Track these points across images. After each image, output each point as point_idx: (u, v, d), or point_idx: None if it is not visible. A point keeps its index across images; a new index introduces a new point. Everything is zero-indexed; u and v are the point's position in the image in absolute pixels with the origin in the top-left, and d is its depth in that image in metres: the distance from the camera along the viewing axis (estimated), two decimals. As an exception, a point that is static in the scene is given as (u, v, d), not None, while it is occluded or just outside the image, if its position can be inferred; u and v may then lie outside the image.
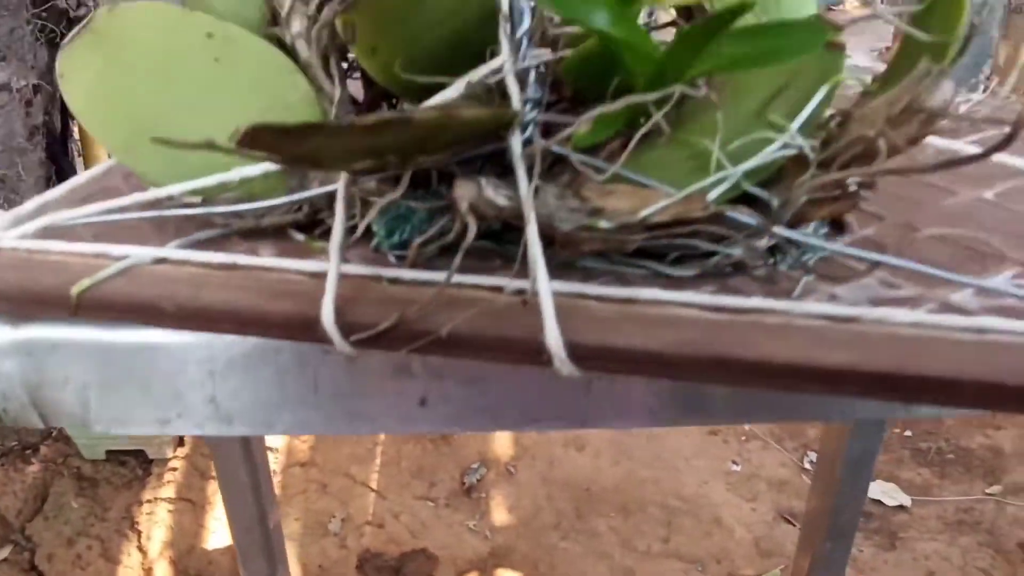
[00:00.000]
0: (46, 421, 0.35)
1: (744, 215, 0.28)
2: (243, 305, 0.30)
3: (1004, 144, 0.25)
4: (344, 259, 0.32)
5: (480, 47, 0.34)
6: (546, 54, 0.29)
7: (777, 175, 0.30)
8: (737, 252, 0.31)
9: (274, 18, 0.36)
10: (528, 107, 0.29)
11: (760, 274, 0.31)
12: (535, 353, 0.28)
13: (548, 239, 0.32)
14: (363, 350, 0.30)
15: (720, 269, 0.32)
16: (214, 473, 1.73)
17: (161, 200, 0.34)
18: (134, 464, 1.79)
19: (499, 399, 0.35)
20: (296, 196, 0.33)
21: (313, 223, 0.35)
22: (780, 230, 0.29)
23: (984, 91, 0.49)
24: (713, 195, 0.29)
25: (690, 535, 1.74)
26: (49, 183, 1.80)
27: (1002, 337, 0.28)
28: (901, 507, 1.80)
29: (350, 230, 0.33)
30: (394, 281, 0.31)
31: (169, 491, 1.73)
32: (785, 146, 0.29)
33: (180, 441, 1.82)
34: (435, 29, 0.33)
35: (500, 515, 1.75)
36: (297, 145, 0.25)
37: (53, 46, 1.74)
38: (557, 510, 1.77)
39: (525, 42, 0.29)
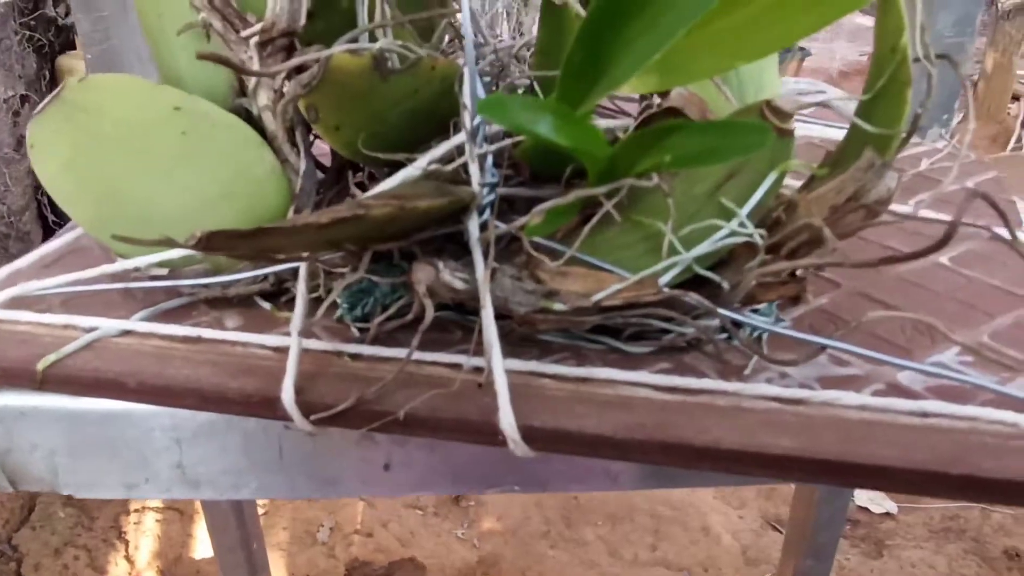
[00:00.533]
0: (15, 485, 0.35)
1: (694, 300, 0.29)
2: (206, 383, 0.31)
3: (937, 247, 0.26)
4: (308, 332, 0.33)
5: (440, 119, 0.35)
6: (502, 142, 0.30)
7: (728, 256, 0.31)
8: (690, 331, 0.32)
9: (242, 89, 0.37)
10: (485, 191, 0.30)
11: (713, 351, 0.32)
12: (491, 435, 0.29)
13: (506, 315, 0.32)
14: (323, 428, 0.30)
15: (674, 346, 0.32)
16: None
17: (128, 271, 0.35)
18: (122, 473, 1.79)
19: (460, 465, 0.35)
20: (262, 271, 0.34)
21: (279, 291, 0.36)
22: (729, 312, 0.30)
23: (947, 141, 0.50)
24: (665, 279, 0.30)
25: (678, 543, 1.75)
26: (37, 191, 1.80)
27: (944, 422, 0.29)
28: (888, 514, 1.81)
29: (315, 302, 0.34)
30: (355, 357, 0.32)
31: (157, 500, 1.73)
32: (734, 232, 0.30)
33: (169, 450, 1.81)
34: (396, 106, 0.34)
35: (489, 523, 1.76)
36: (253, 244, 0.25)
37: (41, 55, 1.74)
38: (545, 518, 1.78)
39: (482, 130, 0.30)
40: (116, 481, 0.35)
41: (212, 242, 0.24)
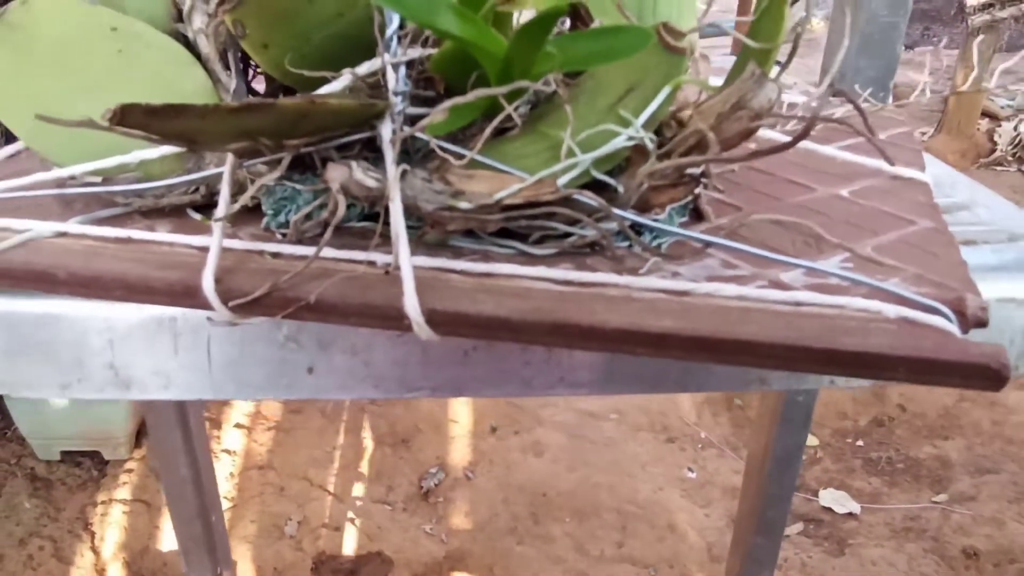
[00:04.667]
0: (-47, 386, 0.37)
1: (588, 198, 0.31)
2: (131, 274, 0.33)
3: (798, 139, 0.28)
4: (233, 236, 0.35)
5: (365, 46, 0.37)
6: (414, 52, 0.32)
7: (625, 164, 0.34)
8: (591, 233, 0.34)
9: (179, 15, 0.39)
10: (399, 99, 0.32)
11: (611, 254, 0.34)
12: (396, 319, 0.31)
13: (421, 220, 0.35)
14: (242, 317, 0.32)
15: (577, 249, 0.35)
16: (170, 474, 1.73)
17: (64, 180, 0.37)
18: (89, 465, 1.79)
19: (380, 369, 0.37)
20: (192, 176, 0.36)
21: (210, 204, 0.38)
22: (624, 213, 0.32)
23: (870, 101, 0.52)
24: (564, 180, 0.32)
25: (644, 540, 1.76)
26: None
27: (813, 309, 0.31)
28: (851, 515, 1.84)
29: (243, 212, 0.36)
30: (276, 255, 0.34)
31: (124, 492, 1.73)
32: (630, 138, 0.32)
33: (137, 443, 1.82)
34: (323, 28, 0.36)
35: (457, 519, 1.76)
36: (167, 124, 0.27)
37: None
38: (513, 514, 1.79)
39: (395, 41, 0.32)
40: (52, 381, 0.37)
41: (127, 116, 0.26)
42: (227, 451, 1.83)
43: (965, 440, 2.01)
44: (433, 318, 0.31)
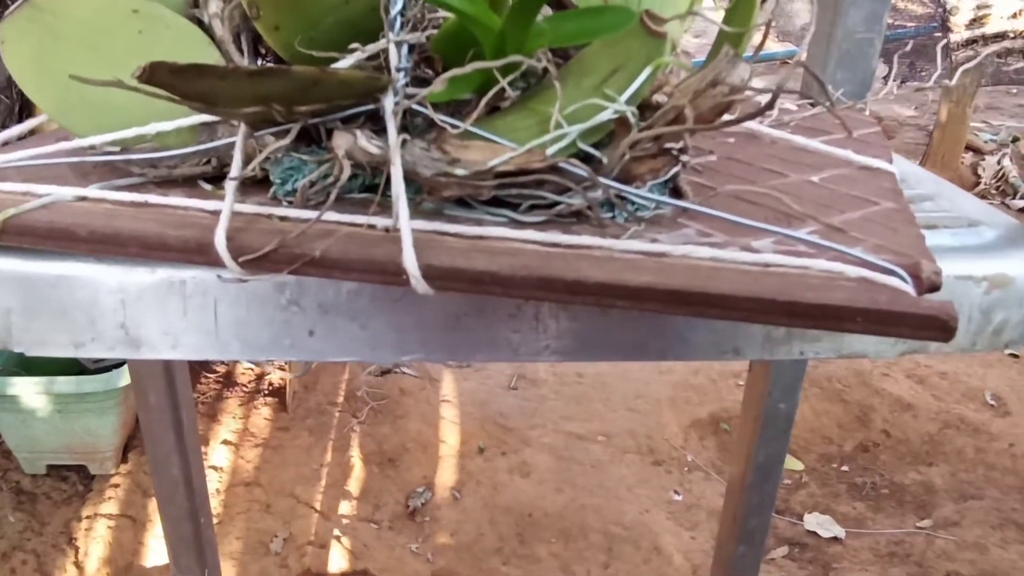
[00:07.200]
0: (-29, 343, 0.39)
1: (575, 164, 0.34)
2: (149, 232, 0.35)
3: (769, 104, 0.31)
4: (242, 202, 0.38)
5: (369, 32, 0.40)
6: (413, 36, 0.35)
7: (608, 138, 0.36)
8: (577, 201, 0.36)
9: (195, 1, 0.42)
10: (401, 75, 0.35)
11: (597, 222, 0.37)
12: (395, 274, 0.33)
13: (418, 187, 0.37)
14: (251, 273, 0.35)
15: (564, 218, 0.37)
16: (156, 490, 1.73)
17: (84, 148, 0.39)
18: (75, 480, 1.79)
19: (376, 333, 0.40)
20: (204, 146, 0.38)
21: (220, 176, 0.40)
22: (609, 182, 0.35)
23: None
24: (552, 150, 0.35)
25: (630, 562, 1.77)
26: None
27: (780, 269, 0.33)
28: (835, 539, 1.86)
29: (252, 183, 0.38)
30: (283, 218, 0.37)
31: (110, 507, 1.73)
32: (615, 112, 0.35)
33: (123, 458, 1.82)
34: (331, 14, 0.39)
35: (443, 539, 1.77)
36: (191, 83, 0.30)
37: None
38: (500, 535, 1.79)
39: (398, 21, 0.35)
40: (65, 340, 0.39)
41: (155, 74, 0.29)
42: (214, 467, 1.83)
43: (949, 466, 2.03)
44: (429, 273, 0.33)
